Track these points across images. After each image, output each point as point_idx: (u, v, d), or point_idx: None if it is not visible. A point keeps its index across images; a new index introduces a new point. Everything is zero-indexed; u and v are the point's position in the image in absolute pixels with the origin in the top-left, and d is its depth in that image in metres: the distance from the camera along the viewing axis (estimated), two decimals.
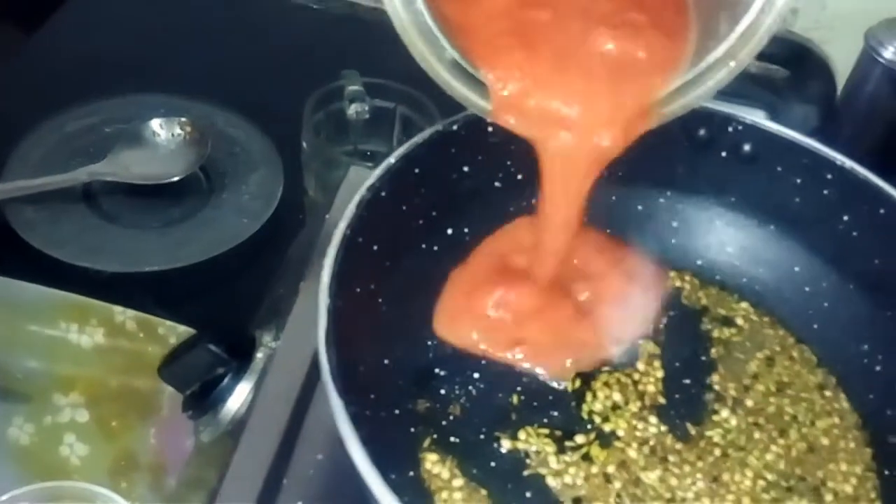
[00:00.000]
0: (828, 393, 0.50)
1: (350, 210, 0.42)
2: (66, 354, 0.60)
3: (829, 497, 0.46)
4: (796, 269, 0.53)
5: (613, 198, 0.53)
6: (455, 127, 0.48)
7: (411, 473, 0.43)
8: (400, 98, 0.71)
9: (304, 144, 0.68)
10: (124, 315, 0.60)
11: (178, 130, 0.74)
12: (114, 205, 0.72)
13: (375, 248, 0.44)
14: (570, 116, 0.41)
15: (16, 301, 0.60)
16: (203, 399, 0.48)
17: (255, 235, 0.70)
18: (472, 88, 0.42)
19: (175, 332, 0.60)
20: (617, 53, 0.42)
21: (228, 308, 0.65)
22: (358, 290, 0.42)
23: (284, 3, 0.92)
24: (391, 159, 0.45)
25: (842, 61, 0.72)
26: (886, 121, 0.73)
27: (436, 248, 0.49)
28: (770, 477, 0.46)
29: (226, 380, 0.48)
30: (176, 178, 0.72)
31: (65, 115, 0.76)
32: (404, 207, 0.47)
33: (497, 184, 0.51)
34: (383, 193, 0.44)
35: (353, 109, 0.70)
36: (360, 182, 0.44)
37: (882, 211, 0.49)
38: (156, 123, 0.74)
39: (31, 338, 0.60)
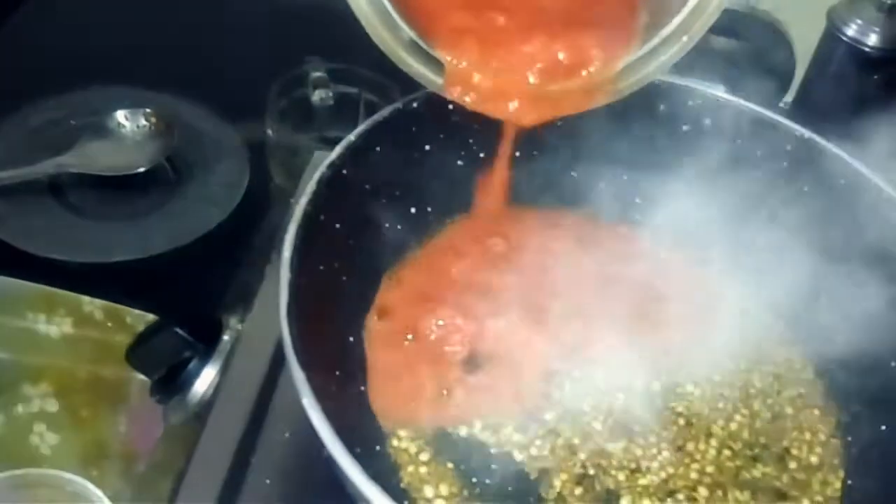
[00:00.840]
0: (796, 365, 0.50)
1: (311, 187, 0.42)
2: (34, 345, 0.60)
3: (793, 465, 0.46)
4: (759, 239, 0.53)
5: (574, 174, 0.53)
6: (415, 104, 0.48)
7: (377, 448, 0.43)
8: (364, 84, 0.71)
9: (269, 132, 0.68)
10: (92, 305, 0.60)
11: (143, 122, 0.74)
12: (81, 197, 0.71)
13: (338, 226, 0.44)
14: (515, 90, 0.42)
15: None
16: (170, 383, 0.49)
17: (222, 224, 0.69)
18: (427, 66, 0.43)
19: (143, 320, 0.60)
20: (564, 31, 0.43)
21: (197, 296, 0.64)
22: (321, 267, 0.43)
23: None
24: (351, 137, 0.45)
25: (805, 40, 0.73)
26: (851, 98, 0.74)
27: (399, 226, 0.50)
28: (735, 446, 0.46)
29: (192, 363, 0.48)
30: (142, 169, 0.72)
31: (29, 108, 0.75)
32: (367, 186, 0.47)
33: (459, 162, 0.51)
34: (344, 171, 0.44)
35: (317, 96, 0.70)
36: None
37: (843, 181, 0.49)
38: (121, 115, 0.74)
39: None
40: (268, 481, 0.42)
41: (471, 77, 0.42)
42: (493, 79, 0.42)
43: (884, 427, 0.45)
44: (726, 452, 0.46)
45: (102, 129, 0.73)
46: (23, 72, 0.81)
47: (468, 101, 0.43)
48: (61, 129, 0.74)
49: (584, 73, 0.43)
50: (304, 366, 0.35)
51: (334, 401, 0.37)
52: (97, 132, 0.73)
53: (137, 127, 0.74)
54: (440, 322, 0.48)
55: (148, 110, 0.74)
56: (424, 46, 0.42)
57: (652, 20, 0.44)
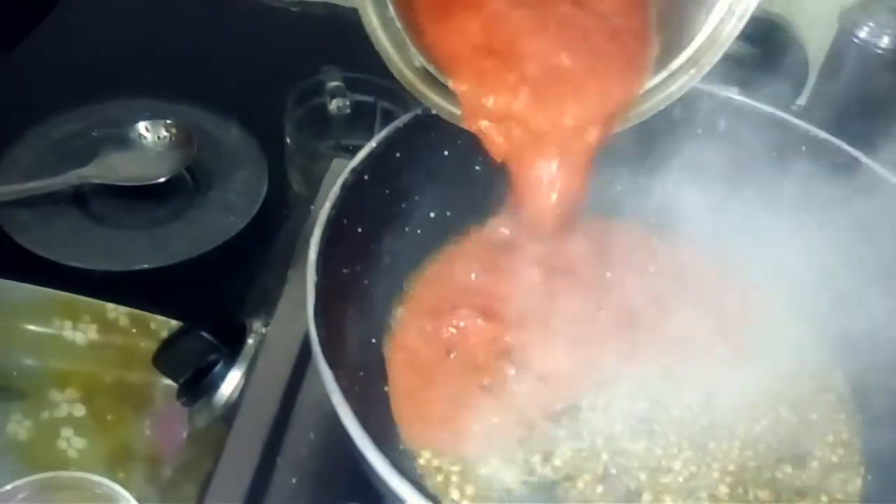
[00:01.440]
0: (825, 371, 0.50)
1: (334, 192, 0.43)
2: (61, 351, 0.61)
3: (814, 464, 0.46)
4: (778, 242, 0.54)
5: (593, 179, 0.54)
6: (433, 111, 0.49)
7: (402, 447, 0.44)
8: (380, 92, 0.72)
9: (288, 140, 0.69)
10: (117, 311, 0.61)
11: (163, 132, 0.75)
12: (103, 206, 0.73)
13: (359, 229, 0.45)
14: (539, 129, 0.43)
15: (11, 301, 0.61)
16: (196, 386, 0.49)
17: (241, 232, 0.71)
18: (441, 94, 0.43)
19: (167, 326, 0.61)
20: (581, 71, 0.43)
21: (218, 301, 0.66)
22: (345, 270, 0.43)
23: (263, 6, 0.94)
24: (373, 143, 0.46)
25: (817, 43, 0.74)
26: (863, 99, 0.75)
27: (419, 230, 0.50)
28: (758, 447, 0.46)
29: (218, 366, 0.49)
30: (163, 179, 0.73)
31: (53, 121, 0.77)
32: (387, 191, 0.48)
33: (477, 167, 0.52)
34: (366, 177, 0.45)
35: (334, 104, 0.71)
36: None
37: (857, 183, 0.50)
38: (142, 126, 0.75)
39: (26, 336, 0.61)
40: (294, 481, 0.43)
41: (491, 112, 0.43)
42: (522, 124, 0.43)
43: None
44: (748, 453, 0.46)
45: (124, 140, 0.75)
46: (46, 84, 0.83)
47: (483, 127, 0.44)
48: (84, 140, 0.76)
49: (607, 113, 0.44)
50: (332, 365, 0.36)
51: (359, 401, 0.38)
52: (119, 143, 0.75)
53: (158, 138, 0.75)
54: (458, 326, 0.48)
55: (168, 121, 0.75)
56: (438, 76, 0.43)
57: (663, 51, 0.45)
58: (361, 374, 0.44)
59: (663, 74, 0.44)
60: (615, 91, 0.44)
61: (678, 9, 0.45)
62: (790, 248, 0.52)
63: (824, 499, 0.45)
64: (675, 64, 0.44)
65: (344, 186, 0.43)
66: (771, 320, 0.52)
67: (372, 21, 0.41)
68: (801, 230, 0.52)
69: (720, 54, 0.43)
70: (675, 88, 0.44)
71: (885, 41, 0.66)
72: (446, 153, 0.50)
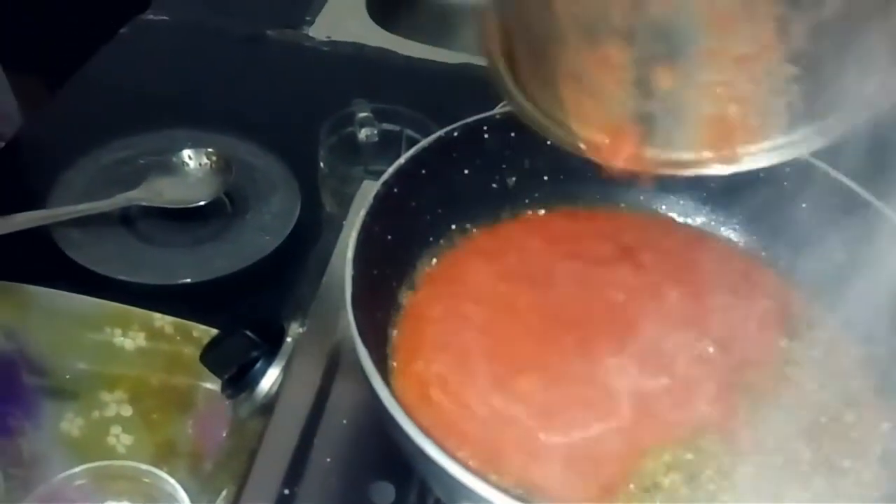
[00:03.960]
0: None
1: (368, 201, 0.48)
2: (111, 356, 0.66)
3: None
4: (763, 253, 0.58)
5: None
6: (455, 133, 0.54)
7: None
8: (406, 121, 0.77)
9: (321, 164, 0.75)
10: (163, 320, 0.67)
11: (205, 160, 0.81)
12: (149, 227, 0.78)
13: (389, 237, 0.50)
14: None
15: (66, 310, 0.66)
16: (239, 381, 0.54)
17: (276, 250, 0.76)
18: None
19: (208, 334, 0.66)
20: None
21: (253, 312, 0.71)
22: (375, 272, 0.48)
23: (298, 45, 1.00)
24: (401, 160, 0.51)
25: None
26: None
27: (441, 241, 0.56)
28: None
29: (259, 363, 0.54)
30: (203, 202, 0.79)
31: (103, 148, 0.83)
32: (413, 204, 0.53)
33: (494, 185, 0.57)
34: (395, 190, 0.50)
35: (363, 133, 0.77)
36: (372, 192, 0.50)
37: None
38: (185, 154, 0.81)
39: (79, 342, 0.66)
40: (328, 459, 0.47)
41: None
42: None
43: None
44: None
45: (168, 166, 0.81)
46: (96, 115, 0.89)
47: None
48: (131, 166, 0.82)
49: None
50: (368, 346, 0.41)
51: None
52: (163, 169, 0.80)
53: (200, 164, 0.81)
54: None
55: (209, 150, 0.81)
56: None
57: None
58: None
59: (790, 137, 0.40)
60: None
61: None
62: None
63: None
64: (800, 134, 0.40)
65: (377, 197, 0.49)
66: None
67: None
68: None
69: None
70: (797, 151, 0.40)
71: None
72: (466, 171, 0.56)
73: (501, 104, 0.54)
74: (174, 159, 0.81)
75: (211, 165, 0.81)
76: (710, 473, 0.44)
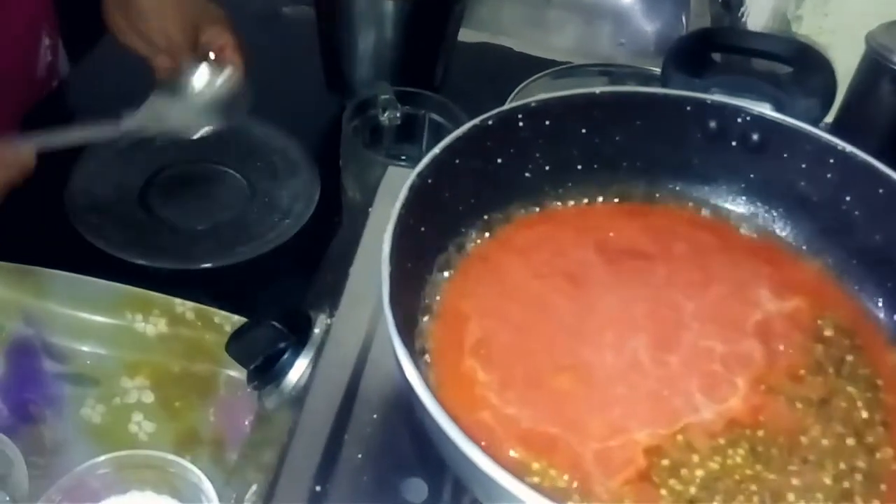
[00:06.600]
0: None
1: (403, 193, 0.47)
2: (132, 342, 0.65)
3: None
4: (804, 247, 0.57)
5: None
6: (490, 122, 0.53)
7: None
8: (428, 104, 0.76)
9: (343, 149, 0.74)
10: (184, 306, 0.66)
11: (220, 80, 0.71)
12: (167, 211, 0.77)
13: (423, 229, 0.49)
14: None
15: (86, 295, 0.66)
16: (266, 372, 0.53)
17: (296, 234, 0.75)
18: None
19: (230, 321, 0.65)
20: None
21: (275, 297, 0.70)
22: (409, 265, 0.47)
23: (314, 23, 0.98)
24: (436, 150, 0.50)
25: (845, 64, 0.77)
26: (890, 118, 0.79)
27: (473, 233, 0.54)
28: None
29: (286, 354, 0.53)
30: (208, 131, 0.70)
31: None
32: (447, 194, 0.51)
33: (527, 174, 0.56)
34: (430, 180, 0.49)
35: (385, 116, 0.76)
36: (398, 179, 0.49)
37: (881, 191, 0.53)
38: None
39: (100, 328, 0.65)
40: (359, 455, 0.47)
41: None
42: None
43: None
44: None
45: (173, 87, 0.70)
46: (111, 93, 0.87)
47: None
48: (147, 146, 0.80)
49: None
50: (406, 345, 0.40)
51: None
52: (167, 90, 0.70)
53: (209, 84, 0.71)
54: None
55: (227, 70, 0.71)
56: None
57: None
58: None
59: None
60: None
61: None
62: (815, 251, 0.55)
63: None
64: None
65: (411, 188, 0.47)
66: None
67: None
68: (827, 235, 0.54)
69: None
70: None
71: None
72: (499, 161, 0.54)
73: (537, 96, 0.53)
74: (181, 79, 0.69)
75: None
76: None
